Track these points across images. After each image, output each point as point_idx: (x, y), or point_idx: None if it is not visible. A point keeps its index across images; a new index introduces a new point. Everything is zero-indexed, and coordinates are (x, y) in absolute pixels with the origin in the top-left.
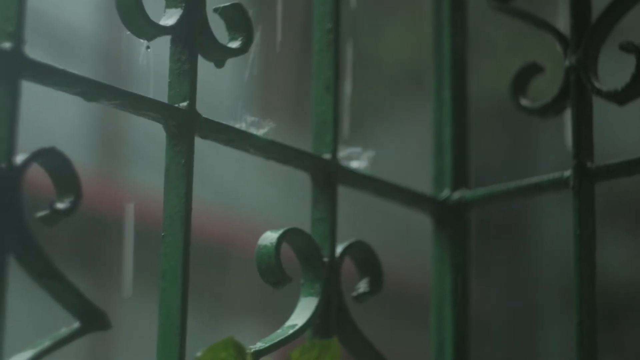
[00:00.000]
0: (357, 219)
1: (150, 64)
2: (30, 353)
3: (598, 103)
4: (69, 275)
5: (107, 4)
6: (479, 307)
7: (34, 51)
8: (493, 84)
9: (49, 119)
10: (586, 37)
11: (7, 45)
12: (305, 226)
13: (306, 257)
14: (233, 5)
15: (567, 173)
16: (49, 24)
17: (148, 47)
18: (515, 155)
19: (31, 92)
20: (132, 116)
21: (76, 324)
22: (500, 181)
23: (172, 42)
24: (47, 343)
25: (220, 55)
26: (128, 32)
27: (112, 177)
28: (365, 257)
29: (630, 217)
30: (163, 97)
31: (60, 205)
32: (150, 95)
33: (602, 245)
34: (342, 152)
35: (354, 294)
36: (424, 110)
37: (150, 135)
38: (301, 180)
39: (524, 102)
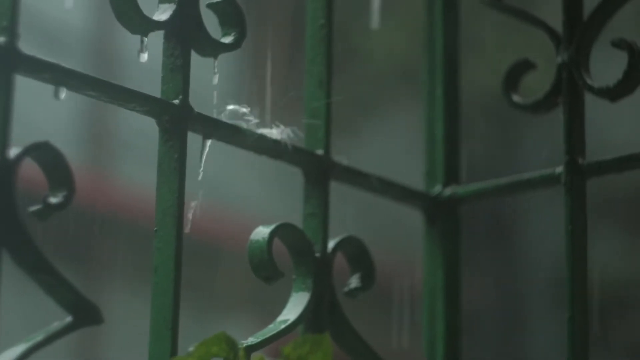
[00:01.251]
0: (349, 214)
1: (143, 58)
2: (22, 347)
3: (590, 99)
4: (59, 269)
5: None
6: (470, 303)
7: (24, 46)
8: (484, 80)
9: (40, 113)
10: (578, 34)
11: (0, 39)
12: (297, 221)
13: (298, 252)
14: (226, 1)
15: (559, 169)
16: (39, 17)
17: (142, 42)
18: (506, 151)
19: (23, 86)
20: (123, 110)
21: (69, 319)
22: (492, 177)
23: (165, 37)
24: (39, 337)
25: (213, 50)
26: (120, 27)
27: (103, 172)
28: (357, 253)
29: (621, 213)
30: (156, 91)
31: (53, 200)
32: (143, 90)
33: (593, 241)
34: None
35: (346, 289)
36: (415, 105)
37: (141, 130)
38: (293, 176)
39: (516, 98)
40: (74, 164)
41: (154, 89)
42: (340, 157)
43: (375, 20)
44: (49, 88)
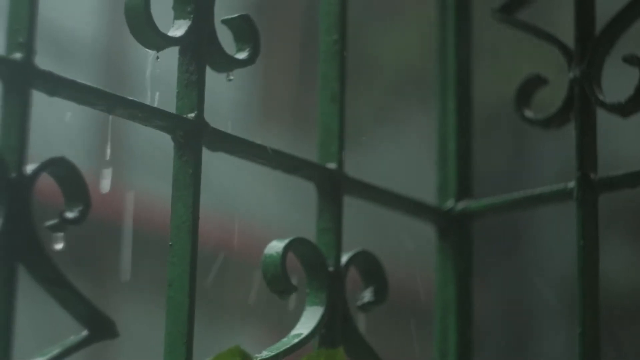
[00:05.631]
0: (362, 228)
1: (156, 72)
2: None
3: (602, 114)
4: (74, 282)
5: (110, 11)
6: (482, 317)
7: (36, 57)
8: (496, 91)
9: (50, 123)
10: (590, 49)
11: (17, 55)
12: (310, 235)
13: (311, 266)
14: (241, 17)
15: (571, 184)
16: (51, 29)
17: (157, 58)
18: (517, 163)
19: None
20: (134, 123)
21: (84, 332)
22: (501, 190)
23: (181, 52)
24: (55, 351)
25: (227, 66)
26: (131, 39)
27: (117, 184)
28: (370, 267)
29: (630, 224)
30: (166, 103)
31: (69, 215)
32: (154, 102)
33: (604, 254)
34: None
35: (359, 303)
36: (425, 114)
37: (152, 141)
38: (306, 190)
39: (528, 113)
40: (88, 176)
41: (166, 101)
42: (353, 171)
43: (386, 27)
44: (63, 101)
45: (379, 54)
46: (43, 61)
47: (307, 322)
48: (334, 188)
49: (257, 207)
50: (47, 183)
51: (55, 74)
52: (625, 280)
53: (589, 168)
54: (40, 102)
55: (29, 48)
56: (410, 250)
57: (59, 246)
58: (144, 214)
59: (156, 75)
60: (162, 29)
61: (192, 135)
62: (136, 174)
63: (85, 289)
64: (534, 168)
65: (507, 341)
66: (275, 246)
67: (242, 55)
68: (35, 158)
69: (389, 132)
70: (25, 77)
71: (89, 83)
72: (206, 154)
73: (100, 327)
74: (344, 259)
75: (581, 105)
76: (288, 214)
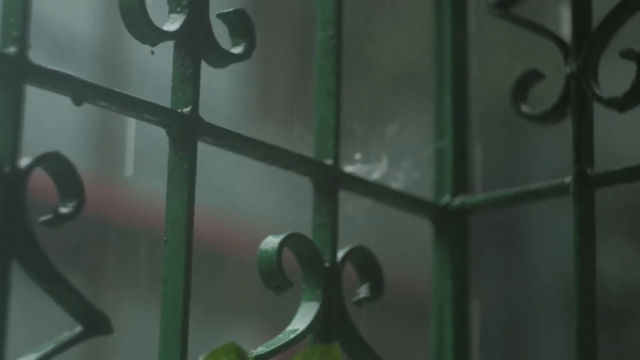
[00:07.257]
0: (359, 223)
1: (151, 67)
2: (33, 357)
3: (599, 110)
4: (69, 278)
5: (106, 7)
6: (479, 313)
7: (33, 54)
8: (493, 86)
9: (47, 120)
10: (587, 44)
11: (11, 50)
12: (306, 231)
13: (307, 262)
14: (236, 11)
15: (568, 179)
16: (48, 26)
17: (152, 52)
18: (514, 158)
19: (32, 94)
20: (131, 119)
21: (79, 328)
22: (499, 186)
23: (175, 47)
24: (49, 347)
25: (222, 60)
26: (128, 36)
27: (112, 180)
28: (366, 263)
29: (627, 221)
30: (162, 99)
31: (63, 210)
32: (151, 98)
33: (601, 250)
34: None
35: (355, 299)
36: (422, 110)
37: (149, 138)
38: (302, 185)
39: (525, 108)
40: (83, 172)
41: (162, 96)
42: (349, 167)
43: (383, 26)
44: (59, 96)
45: (376, 52)
46: (41, 59)
47: (302, 318)
48: (330, 184)
49: (252, 203)
50: (41, 180)
51: (49, 68)
52: (624, 279)
53: (586, 163)
54: (38, 101)
55: (23, 42)
56: (407, 246)
57: None
58: (141, 210)
59: (153, 69)
60: (157, 23)
61: (187, 130)
62: (131, 171)
63: (80, 285)
64: (532, 164)
65: (506, 337)
66: (271, 242)
67: (237, 50)
68: (32, 155)
69: (385, 129)
70: (19, 72)
71: (83, 78)
72: (202, 150)
73: (95, 323)
74: (340, 254)
75: (578, 100)
76: (284, 210)
